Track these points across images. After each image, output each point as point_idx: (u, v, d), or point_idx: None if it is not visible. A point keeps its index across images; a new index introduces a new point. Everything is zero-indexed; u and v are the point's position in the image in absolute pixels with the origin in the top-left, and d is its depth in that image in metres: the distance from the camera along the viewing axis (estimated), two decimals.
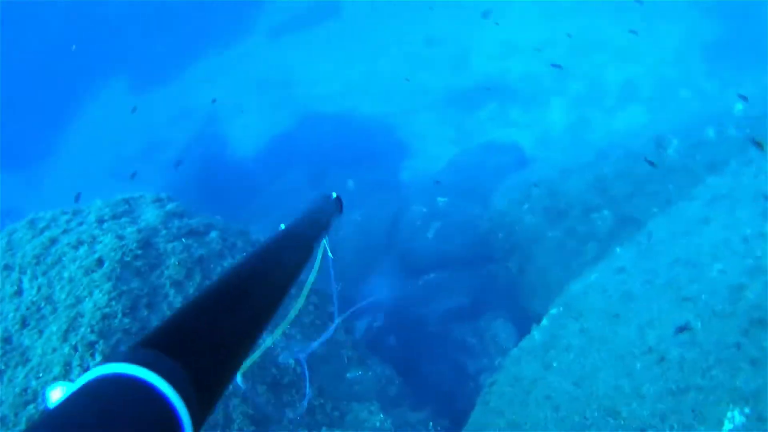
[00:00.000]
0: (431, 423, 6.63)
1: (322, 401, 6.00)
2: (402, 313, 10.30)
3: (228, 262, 6.00)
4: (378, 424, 6.04)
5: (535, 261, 9.08)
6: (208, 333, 1.40)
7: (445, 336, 9.83)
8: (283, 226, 2.38)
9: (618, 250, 7.42)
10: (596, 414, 5.55)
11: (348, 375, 6.54)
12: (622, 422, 5.32)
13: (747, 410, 4.73)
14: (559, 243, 8.78)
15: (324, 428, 5.80)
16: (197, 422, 1.17)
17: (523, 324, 9.33)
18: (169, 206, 6.34)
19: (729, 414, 4.80)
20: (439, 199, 11.46)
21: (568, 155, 9.59)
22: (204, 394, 1.23)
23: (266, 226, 11.56)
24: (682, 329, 5.57)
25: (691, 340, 5.43)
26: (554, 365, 6.34)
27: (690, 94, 14.42)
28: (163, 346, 1.24)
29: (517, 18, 19.81)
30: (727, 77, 14.29)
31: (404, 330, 9.89)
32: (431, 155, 16.09)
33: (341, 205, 3.20)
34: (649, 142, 8.48)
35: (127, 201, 6.39)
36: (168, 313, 5.25)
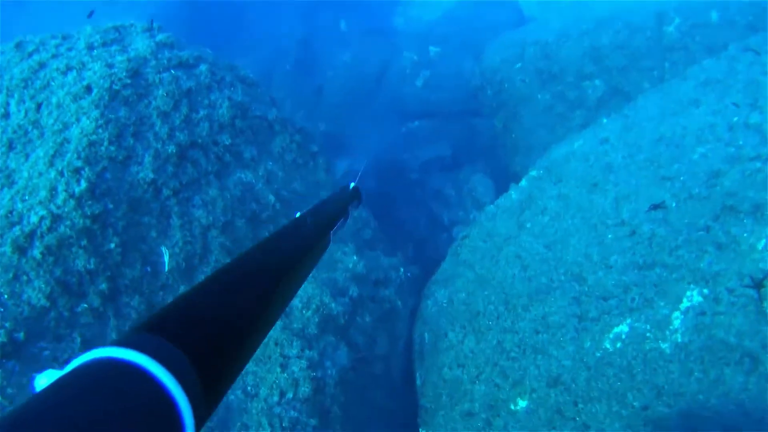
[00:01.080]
0: (402, 269, 6.82)
1: None
2: (384, 158, 10.35)
3: (216, 96, 5.91)
4: (351, 265, 6.17)
5: (521, 121, 9.08)
6: (213, 319, 1.36)
7: (424, 184, 9.96)
8: (298, 214, 2.43)
9: (604, 120, 7.43)
10: (562, 278, 5.73)
11: None
12: (587, 289, 5.50)
13: (706, 291, 4.94)
14: (548, 106, 8.77)
15: None
16: (200, 416, 1.12)
17: (502, 181, 9.47)
18: (160, 36, 6.16)
19: (688, 293, 5.01)
20: (432, 48, 11.24)
21: (567, 20, 9.38)
22: (209, 382, 1.18)
23: (254, 61, 11.36)
24: (656, 206, 5.69)
25: (663, 218, 5.56)
26: (528, 226, 6.47)
27: None
28: (161, 330, 1.19)
29: None
30: None
31: (385, 174, 9.94)
32: (427, 3, 15.71)
33: (360, 195, 3.33)
34: (650, 17, 8.32)
35: (117, 29, 6.19)
36: (153, 144, 5.22)
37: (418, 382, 6.04)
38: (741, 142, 5.84)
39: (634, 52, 8.22)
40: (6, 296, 4.14)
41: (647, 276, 5.26)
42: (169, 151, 5.25)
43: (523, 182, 7.15)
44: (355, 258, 6.24)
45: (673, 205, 5.61)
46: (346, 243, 6.48)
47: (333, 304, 5.59)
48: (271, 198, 5.92)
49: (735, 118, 6.14)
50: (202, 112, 5.67)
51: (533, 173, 7.18)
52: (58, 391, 0.95)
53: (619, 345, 5.10)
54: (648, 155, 6.29)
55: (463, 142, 10.29)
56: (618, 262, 5.51)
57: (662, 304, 5.08)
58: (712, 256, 5.06)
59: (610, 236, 5.80)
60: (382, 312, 6.20)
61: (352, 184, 3.37)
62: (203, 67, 6.03)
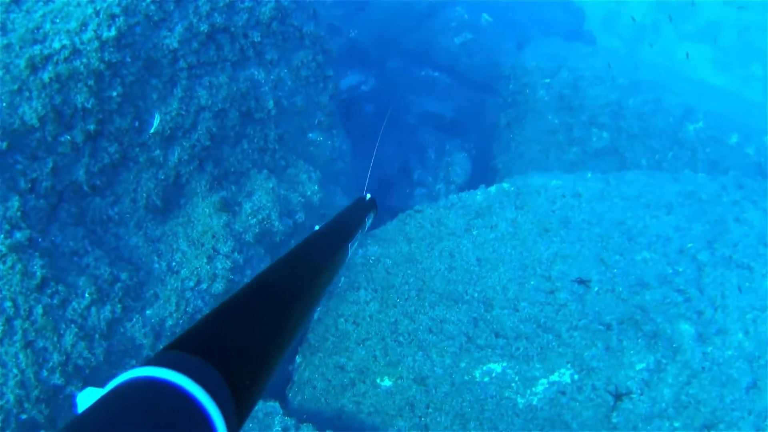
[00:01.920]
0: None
1: (276, 147, 6.43)
2: (391, 91, 10.58)
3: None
4: (309, 193, 6.55)
5: (524, 128, 9.40)
6: (244, 336, 1.43)
7: (415, 132, 10.29)
8: (317, 228, 2.55)
9: (589, 175, 7.83)
10: (475, 296, 6.20)
11: (310, 135, 6.97)
12: (488, 317, 5.99)
13: (576, 377, 5.52)
14: (553, 129, 9.10)
15: (265, 171, 6.30)
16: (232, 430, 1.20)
17: (480, 167, 9.88)
18: None
19: (562, 370, 5.58)
20: (485, 15, 11.36)
21: (614, 60, 9.63)
22: (240, 398, 1.25)
23: None
24: (582, 282, 6.18)
25: (581, 295, 6.06)
26: (474, 233, 6.86)
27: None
28: (197, 348, 1.26)
29: None
30: None
31: (385, 106, 10.17)
32: None
33: (376, 206, 3.43)
34: (681, 107, 8.65)
35: None
36: (191, 17, 5.46)
37: (315, 317, 6.53)
38: (680, 269, 6.34)
39: (650, 127, 8.55)
40: (5, 104, 4.47)
41: (540, 336, 5.78)
42: (201, 28, 5.53)
43: (492, 189, 7.51)
44: (315, 187, 6.61)
45: (595, 289, 6.10)
46: (316, 168, 6.83)
47: (277, 222, 6.03)
48: (270, 103, 6.23)
49: (689, 245, 6.62)
50: (247, 3, 5.92)
51: (505, 185, 7.54)
52: (101, 412, 1.03)
53: (486, 379, 5.65)
54: (602, 232, 6.72)
55: (468, 113, 10.59)
56: (525, 310, 5.99)
57: (538, 365, 5.64)
58: (597, 351, 5.61)
59: (532, 282, 6.26)
60: None
61: (368, 196, 3.46)
62: None
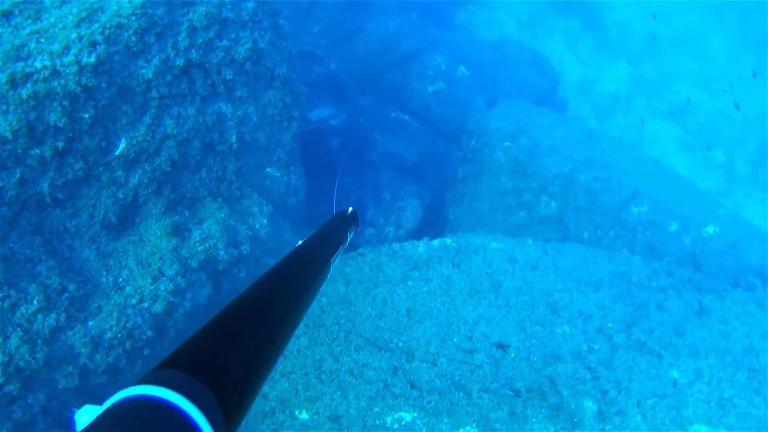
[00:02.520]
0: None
1: (233, 178, 6.94)
2: (360, 127, 11.11)
3: (245, 35, 6.61)
4: (257, 226, 7.07)
5: (478, 185, 9.99)
6: (232, 354, 1.54)
7: (374, 171, 10.84)
8: (300, 242, 2.63)
9: (529, 242, 8.43)
10: (399, 345, 6.71)
11: (268, 169, 7.48)
12: (408, 367, 6.47)
13: None
14: (505, 191, 9.69)
15: (219, 199, 6.81)
16: None
17: (431, 214, 10.46)
18: None
19: (468, 427, 6.11)
20: (461, 67, 11.96)
21: (578, 133, 10.29)
22: (229, 415, 1.37)
23: None
24: (501, 346, 6.74)
25: (498, 359, 6.62)
26: (409, 284, 7.38)
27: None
28: (188, 366, 1.37)
29: None
30: None
31: (351, 142, 10.69)
32: (493, 20, 16.61)
33: (357, 219, 3.50)
34: (628, 189, 9.29)
35: None
36: (168, 50, 5.96)
37: None
38: (596, 347, 6.92)
39: (596, 204, 9.16)
40: None
41: (452, 393, 6.30)
42: (177, 62, 6.06)
43: (435, 243, 8.05)
44: (264, 221, 7.13)
45: (512, 355, 6.65)
46: (269, 202, 7.34)
47: (222, 252, 6.53)
48: (233, 137, 6.75)
49: (609, 324, 7.21)
50: (224, 42, 6.47)
51: (448, 241, 8.09)
52: (99, 429, 1.13)
53: (395, 426, 6.15)
54: (529, 301, 7.28)
55: (431, 159, 11.18)
56: (443, 366, 6.51)
57: (446, 420, 6.15)
58: (502, 415, 6.15)
59: (455, 340, 6.79)
60: (257, 275, 7.10)
61: (350, 209, 3.50)
62: (250, 5, 6.75)
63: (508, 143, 9.80)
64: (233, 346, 1.58)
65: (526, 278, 7.67)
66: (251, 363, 1.60)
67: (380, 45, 11.79)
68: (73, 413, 1.26)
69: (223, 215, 6.70)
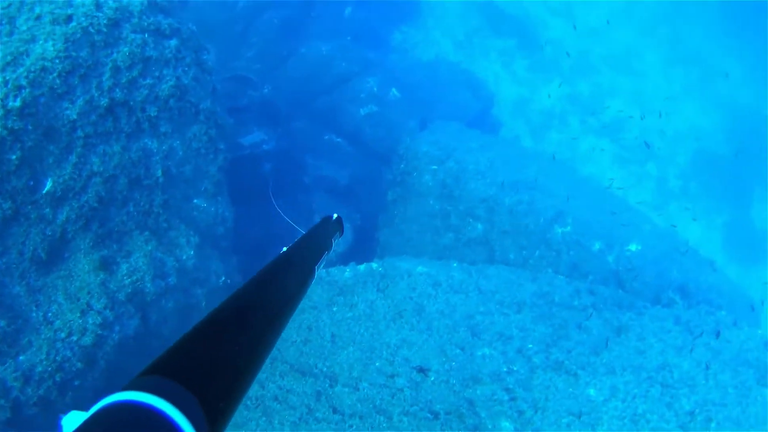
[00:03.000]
0: (223, 277, 8.12)
1: (160, 211, 7.27)
2: (293, 152, 11.53)
3: (168, 72, 6.99)
4: (184, 257, 7.43)
5: (407, 208, 10.41)
6: (216, 360, 1.57)
7: (307, 195, 11.22)
8: (285, 249, 2.65)
9: (455, 264, 8.88)
10: (324, 370, 7.06)
11: (195, 200, 7.83)
12: (331, 392, 6.83)
13: None
14: (432, 214, 10.12)
15: (147, 232, 7.15)
16: None
17: (364, 239, 10.86)
18: None
19: None
20: (394, 90, 12.40)
21: (506, 154, 10.78)
22: (214, 421, 1.41)
23: None
24: (421, 370, 7.15)
25: (418, 383, 7.02)
26: (334, 309, 7.74)
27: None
28: (172, 372, 1.41)
29: None
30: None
31: (284, 165, 11.08)
32: (429, 40, 17.15)
33: (342, 226, 3.52)
34: (552, 210, 9.79)
35: None
36: (93, 91, 6.30)
37: None
38: (515, 368, 7.36)
39: (521, 226, 9.64)
40: None
41: (373, 416, 6.68)
42: (101, 102, 6.40)
43: (362, 267, 8.43)
44: (191, 252, 7.48)
45: (432, 378, 7.07)
46: (195, 233, 7.69)
47: (149, 284, 6.88)
48: (159, 171, 7.09)
49: (529, 345, 7.67)
50: (148, 80, 6.83)
51: (374, 265, 8.48)
52: None
53: None
54: (451, 324, 7.69)
55: (363, 182, 11.60)
56: (364, 390, 6.90)
57: None
58: None
59: (377, 364, 7.18)
60: (185, 304, 7.47)
61: (335, 215, 3.52)
62: (173, 42, 7.12)
63: (435, 167, 10.23)
64: (217, 352, 1.63)
65: (449, 301, 8.09)
66: (235, 369, 1.65)
67: (313, 69, 12.21)
68: (60, 419, 1.32)
69: (150, 248, 7.03)
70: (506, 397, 7.07)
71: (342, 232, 3.51)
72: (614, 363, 7.71)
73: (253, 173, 10.44)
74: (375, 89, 12.29)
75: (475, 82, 14.92)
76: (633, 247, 9.95)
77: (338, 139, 12.00)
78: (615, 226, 10.32)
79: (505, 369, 7.36)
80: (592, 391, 7.35)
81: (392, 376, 7.10)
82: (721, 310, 10.24)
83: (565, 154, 16.95)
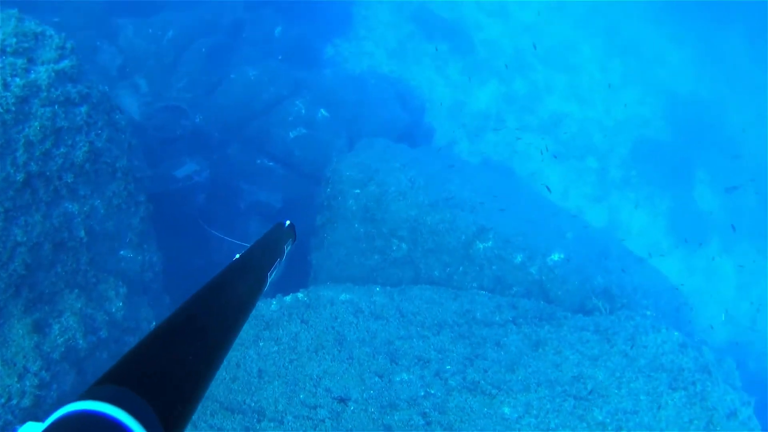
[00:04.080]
0: (154, 322, 8.82)
1: (87, 268, 7.95)
2: (227, 179, 12.23)
3: (81, 138, 7.60)
4: (113, 310, 8.14)
5: (334, 232, 10.99)
6: (170, 367, 1.66)
7: (243, 221, 11.93)
8: (237, 256, 2.74)
9: (377, 288, 9.59)
10: (251, 405, 7.53)
11: (121, 252, 8.55)
12: (258, 428, 7.34)
13: None
14: (358, 237, 10.74)
15: (76, 290, 7.87)
16: None
17: (297, 263, 11.57)
18: (64, 63, 7.66)
19: None
20: (322, 110, 13.06)
21: (430, 171, 11.50)
22: (169, 427, 1.49)
23: (182, 24, 12.95)
24: (342, 400, 7.84)
25: (339, 413, 7.60)
26: (260, 344, 8.25)
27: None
28: (126, 381, 1.50)
29: None
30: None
31: (218, 194, 11.78)
32: (362, 51, 17.85)
33: (295, 233, 3.66)
34: (474, 226, 10.56)
35: (36, 36, 7.58)
36: (8, 167, 6.94)
37: None
38: (432, 391, 7.99)
39: (444, 243, 10.35)
40: None
41: None
42: (17, 178, 7.09)
43: (288, 299, 9.00)
44: (120, 304, 8.19)
45: (351, 408, 7.76)
46: (123, 284, 8.42)
47: (81, 341, 7.59)
48: (82, 232, 7.77)
49: (447, 367, 8.31)
50: (62, 149, 7.48)
51: (300, 295, 9.03)
52: None
53: None
54: (371, 352, 8.26)
55: (296, 204, 12.31)
56: (289, 423, 7.50)
57: None
58: None
59: (301, 397, 7.78)
60: (118, 352, 8.10)
61: (288, 222, 3.65)
62: (83, 109, 7.70)
63: (358, 191, 10.91)
64: (170, 358, 1.70)
65: (370, 329, 8.73)
66: (189, 375, 1.71)
67: (243, 94, 12.87)
68: (16, 430, 1.37)
69: (80, 305, 7.73)
70: (422, 422, 7.62)
71: (295, 238, 3.67)
72: (530, 379, 8.29)
73: (187, 205, 11.13)
74: (303, 111, 12.95)
75: (405, 92, 15.65)
76: (555, 257, 10.69)
77: (270, 163, 12.67)
78: (538, 236, 11.07)
79: (422, 393, 7.94)
80: (506, 410, 7.92)
81: (315, 408, 7.65)
82: (647, 310, 11.10)
83: (503, 154, 17.72)
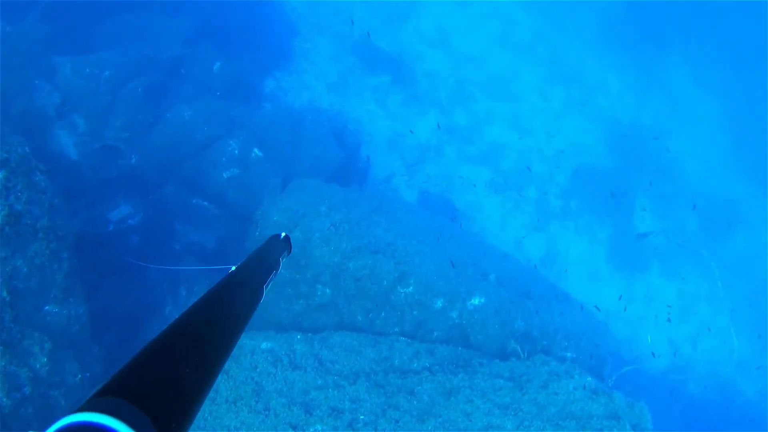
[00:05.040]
0: (79, 375, 9.43)
1: (12, 326, 8.47)
2: (162, 220, 12.76)
3: (1, 202, 8.13)
4: (37, 365, 8.70)
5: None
6: (167, 379, 1.75)
7: (177, 262, 12.50)
8: (233, 269, 2.84)
9: (298, 336, 10.16)
10: None
11: (46, 307, 9.15)
12: None
13: None
14: (284, 282, 11.27)
15: (0, 348, 8.46)
16: None
17: None
18: None
19: None
20: (255, 150, 13.65)
21: (361, 210, 12.16)
22: None
23: (121, 61, 13.57)
24: None
25: None
26: None
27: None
28: (125, 393, 1.59)
29: None
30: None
31: (152, 236, 12.30)
32: (305, 85, 18.50)
33: (290, 245, 3.84)
34: (396, 271, 11.22)
35: None
36: None
37: None
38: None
39: (366, 289, 10.98)
40: None
41: None
42: None
43: None
44: (44, 360, 8.76)
45: None
46: (48, 338, 9.00)
47: (5, 399, 8.16)
48: (4, 292, 8.39)
49: (361, 416, 8.90)
50: None
51: None
52: None
53: None
54: (286, 403, 8.75)
55: (230, 245, 12.86)
56: None
57: None
58: None
59: None
60: (44, 406, 8.64)
61: (283, 234, 3.82)
62: (1, 174, 8.29)
63: (282, 234, 11.49)
64: (168, 371, 1.77)
65: (288, 379, 9.26)
66: (187, 388, 1.78)
67: (178, 135, 13.40)
68: None
69: (3, 363, 8.32)
70: None
71: (290, 251, 3.84)
72: (439, 430, 8.82)
73: (121, 248, 11.70)
74: (236, 152, 13.49)
75: (342, 128, 16.20)
76: (476, 301, 11.36)
77: (205, 203, 13.19)
78: (460, 279, 11.73)
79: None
80: None
81: None
82: (567, 352, 11.77)
83: (441, 185, 18.38)
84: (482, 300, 11.53)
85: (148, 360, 1.83)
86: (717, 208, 22.31)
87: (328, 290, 11.26)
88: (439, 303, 11.26)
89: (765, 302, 20.73)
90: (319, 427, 8.74)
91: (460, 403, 9.29)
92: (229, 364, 9.43)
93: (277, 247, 3.66)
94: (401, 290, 11.22)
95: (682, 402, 17.88)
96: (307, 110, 16.46)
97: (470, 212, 18.61)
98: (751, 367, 19.76)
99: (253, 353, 9.68)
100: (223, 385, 9.10)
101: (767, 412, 19.50)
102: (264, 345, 9.85)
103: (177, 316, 2.22)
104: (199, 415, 8.56)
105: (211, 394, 8.93)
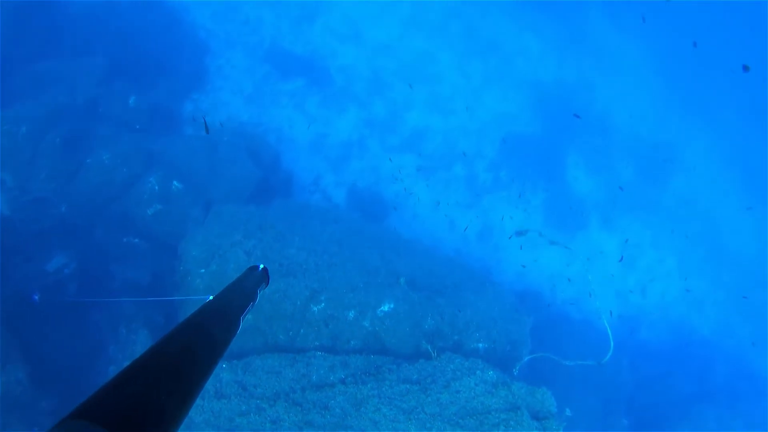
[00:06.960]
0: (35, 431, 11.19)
1: None
2: (97, 261, 14.18)
3: None
4: None
5: (188, 311, 13.42)
6: (142, 405, 1.90)
7: (116, 303, 13.93)
8: (210, 298, 3.05)
9: (224, 365, 11.83)
10: None
11: None
12: None
13: None
14: None
15: None
16: None
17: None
18: None
19: None
20: (175, 183, 15.16)
21: (275, 231, 13.80)
22: None
23: (42, 102, 14.86)
24: None
25: None
26: None
27: None
28: (98, 417, 1.70)
29: None
30: None
31: (90, 280, 13.68)
32: (217, 103, 19.68)
33: (268, 276, 4.00)
34: (307, 290, 12.80)
35: None
36: None
37: None
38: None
39: (281, 310, 12.57)
40: None
41: None
42: None
43: None
44: None
45: None
46: None
47: None
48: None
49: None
50: None
51: None
52: None
53: None
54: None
55: (163, 278, 14.39)
56: None
57: None
58: None
59: None
60: None
61: (261, 266, 3.92)
62: None
63: (203, 270, 13.04)
64: (143, 397, 1.92)
65: (214, 409, 10.90)
66: (161, 415, 1.93)
67: (100, 178, 14.99)
68: None
69: None
70: None
71: (268, 282, 4.01)
72: None
73: (60, 297, 13.11)
74: (156, 188, 15.00)
75: (257, 145, 17.74)
76: (386, 307, 12.90)
77: (135, 240, 14.83)
78: (371, 288, 13.28)
79: None
80: None
81: None
82: (479, 343, 13.14)
83: (369, 179, 19.85)
84: (392, 305, 12.89)
85: (122, 385, 2.01)
86: (652, 153, 23.72)
87: (249, 315, 12.87)
88: (351, 314, 12.72)
89: (711, 239, 22.12)
90: None
91: (369, 412, 10.54)
92: None
93: (255, 278, 3.87)
94: (314, 307, 12.70)
95: (632, 351, 19.12)
96: (221, 133, 17.76)
97: (400, 200, 19.89)
98: (704, 305, 21.11)
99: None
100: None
101: (729, 350, 20.84)
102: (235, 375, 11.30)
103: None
104: None
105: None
